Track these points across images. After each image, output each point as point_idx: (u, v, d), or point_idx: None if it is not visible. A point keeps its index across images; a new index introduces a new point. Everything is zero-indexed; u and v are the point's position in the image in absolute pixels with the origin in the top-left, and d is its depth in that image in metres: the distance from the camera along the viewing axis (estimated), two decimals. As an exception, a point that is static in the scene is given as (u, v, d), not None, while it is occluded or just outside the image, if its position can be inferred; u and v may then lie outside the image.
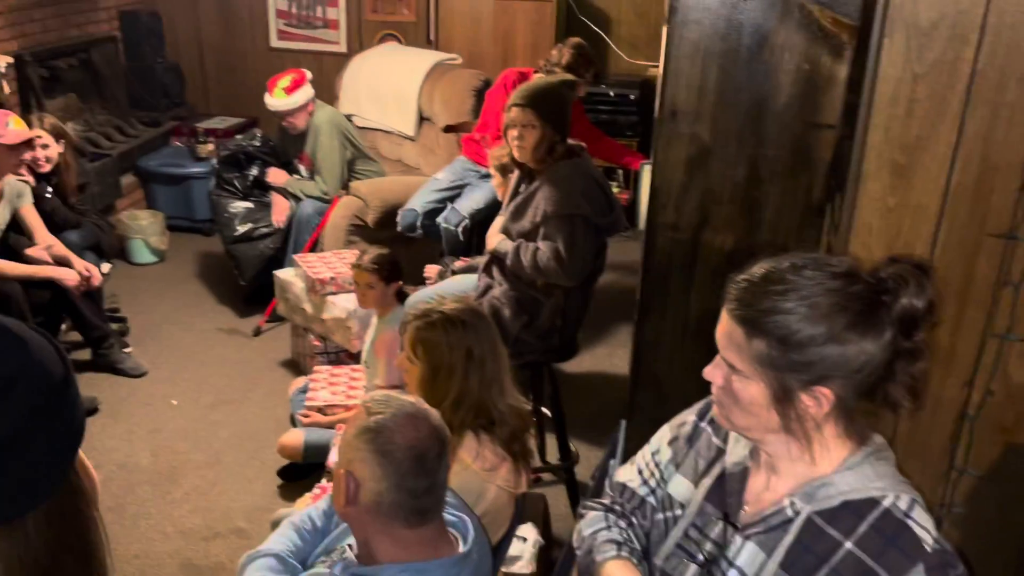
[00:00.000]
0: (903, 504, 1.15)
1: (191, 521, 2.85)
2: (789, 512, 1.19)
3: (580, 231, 2.68)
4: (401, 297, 3.02)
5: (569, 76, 3.19)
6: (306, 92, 4.16)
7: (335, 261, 3.71)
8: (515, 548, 2.28)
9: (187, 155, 5.22)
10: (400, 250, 4.02)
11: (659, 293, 1.76)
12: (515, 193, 2.86)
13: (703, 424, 1.37)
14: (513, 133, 2.72)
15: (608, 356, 3.97)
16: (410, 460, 1.33)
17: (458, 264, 3.33)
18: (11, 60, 4.32)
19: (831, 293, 1.12)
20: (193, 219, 5.20)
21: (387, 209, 4.03)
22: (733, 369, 1.17)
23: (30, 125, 3.54)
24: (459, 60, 4.84)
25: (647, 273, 1.74)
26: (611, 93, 4.98)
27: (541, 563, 2.35)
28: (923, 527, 1.13)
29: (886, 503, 1.15)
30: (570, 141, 2.79)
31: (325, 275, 3.57)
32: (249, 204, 4.29)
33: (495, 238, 2.86)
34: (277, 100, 4.14)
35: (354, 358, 3.49)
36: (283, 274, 3.81)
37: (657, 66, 4.34)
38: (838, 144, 1.55)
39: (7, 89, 4.19)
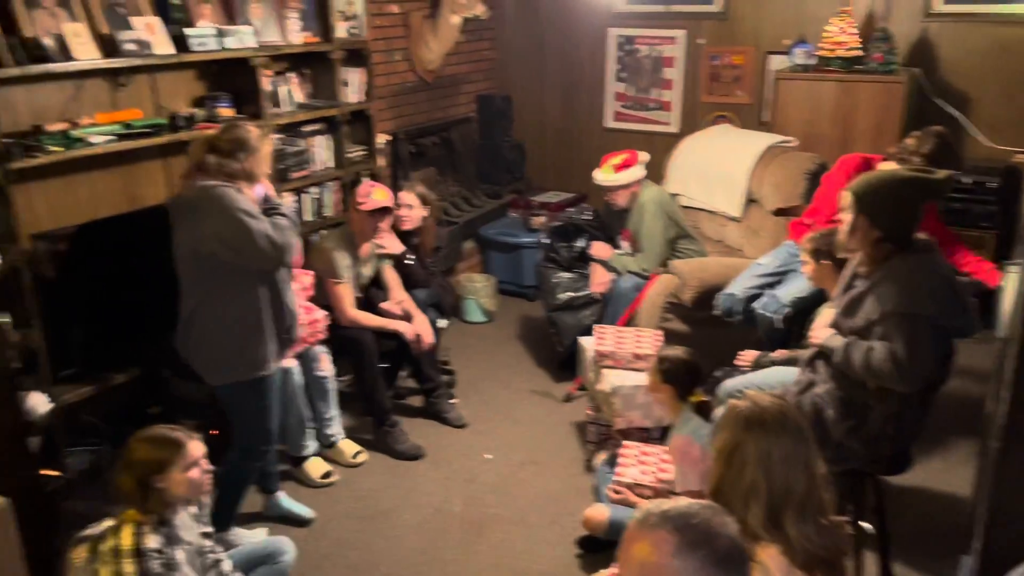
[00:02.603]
0: None
1: None
2: None
3: (923, 333, 2.43)
4: (699, 411, 2.94)
5: (921, 173, 2.81)
6: (633, 174, 4.30)
7: (629, 337, 3.76)
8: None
9: (521, 226, 5.63)
10: (716, 332, 3.98)
11: (1031, 421, 1.52)
12: (849, 285, 2.68)
13: None
14: (842, 220, 2.61)
15: (943, 472, 3.52)
16: (739, 554, 1.28)
17: (777, 355, 3.18)
18: (389, 138, 5.00)
19: None
20: (520, 284, 5.56)
21: (705, 290, 3.99)
22: None
23: (399, 187, 4.05)
24: (794, 142, 4.70)
25: (1018, 396, 1.51)
26: (966, 180, 4.51)
27: None
28: None
29: None
30: (919, 235, 2.56)
31: (607, 348, 3.65)
32: (572, 275, 4.49)
33: (823, 331, 2.69)
34: (603, 175, 4.33)
35: (622, 433, 3.52)
36: (585, 341, 3.91)
37: (1024, 153, 3.84)
38: None
39: (381, 162, 4.83)
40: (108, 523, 2.39)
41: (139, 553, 2.21)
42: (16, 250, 2.95)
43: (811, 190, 4.22)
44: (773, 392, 2.40)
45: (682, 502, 1.38)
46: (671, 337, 4.03)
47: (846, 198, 2.60)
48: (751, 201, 4.61)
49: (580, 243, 4.50)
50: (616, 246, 4.51)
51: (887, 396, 2.53)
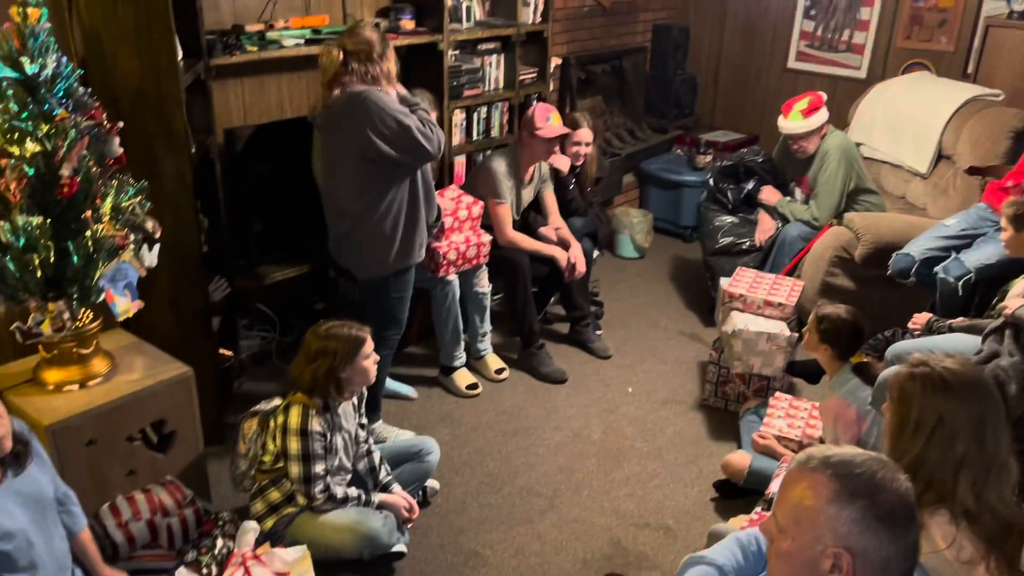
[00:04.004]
0: None
1: (626, 505, 3.00)
2: None
3: None
4: (859, 372, 2.79)
5: None
6: (822, 115, 4.06)
7: (766, 282, 3.65)
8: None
9: (684, 163, 5.47)
10: (885, 293, 3.77)
11: None
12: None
13: None
14: None
15: None
16: (906, 512, 1.23)
17: (957, 321, 2.97)
18: (559, 61, 4.94)
19: None
20: (677, 224, 5.45)
21: (879, 247, 3.76)
22: None
23: (578, 124, 4.00)
24: (1001, 96, 4.29)
25: None
26: None
27: None
28: None
29: None
30: None
31: (738, 290, 3.57)
32: (734, 219, 4.34)
33: (1016, 301, 2.49)
34: (792, 123, 4.09)
35: (740, 377, 3.49)
36: (724, 282, 3.79)
37: None
38: None
39: (551, 86, 4.79)
40: (276, 402, 2.58)
41: (304, 433, 2.38)
42: (211, 141, 3.15)
43: (1015, 151, 3.87)
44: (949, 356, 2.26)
45: (849, 450, 1.32)
46: (835, 293, 3.86)
47: None
48: (942, 157, 4.27)
49: (749, 186, 4.33)
50: (787, 193, 4.31)
51: (1082, 378, 2.32)
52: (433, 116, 3.32)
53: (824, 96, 4.11)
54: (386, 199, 2.88)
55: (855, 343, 2.87)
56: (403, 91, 2.99)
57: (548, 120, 3.73)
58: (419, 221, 3.00)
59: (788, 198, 4.27)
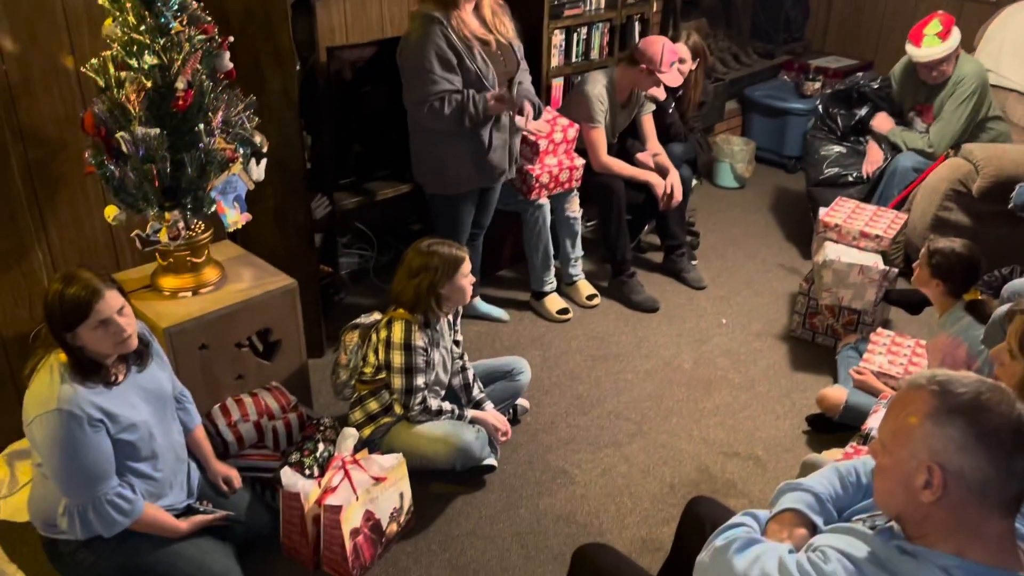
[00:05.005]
0: None
1: (715, 434, 3.00)
2: None
3: None
4: (972, 310, 2.65)
5: None
6: (957, 34, 3.80)
7: (864, 214, 3.51)
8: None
9: (792, 90, 5.24)
10: (1004, 230, 3.58)
11: None
12: None
13: None
14: None
15: None
16: (1014, 437, 1.18)
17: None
18: (664, -18, 4.75)
19: None
20: (781, 154, 5.25)
21: (1000, 180, 3.54)
22: None
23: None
24: None
25: None
26: None
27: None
28: None
29: None
30: None
31: (834, 220, 3.45)
32: (842, 149, 4.16)
33: None
34: (930, 48, 3.81)
35: (830, 311, 3.41)
36: (822, 211, 3.64)
37: None
38: None
39: (654, 7, 4.63)
40: (376, 316, 2.65)
41: (408, 347, 2.45)
42: (314, 59, 3.18)
43: None
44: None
45: (961, 373, 1.28)
46: (948, 228, 3.68)
47: None
48: (1078, 86, 3.97)
49: (861, 112, 4.11)
50: (903, 122, 4.08)
51: None
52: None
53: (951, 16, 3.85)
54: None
55: (970, 279, 2.73)
56: (481, 34, 2.99)
57: (673, 66, 3.60)
58: (446, 155, 3.09)
59: (902, 127, 4.05)
